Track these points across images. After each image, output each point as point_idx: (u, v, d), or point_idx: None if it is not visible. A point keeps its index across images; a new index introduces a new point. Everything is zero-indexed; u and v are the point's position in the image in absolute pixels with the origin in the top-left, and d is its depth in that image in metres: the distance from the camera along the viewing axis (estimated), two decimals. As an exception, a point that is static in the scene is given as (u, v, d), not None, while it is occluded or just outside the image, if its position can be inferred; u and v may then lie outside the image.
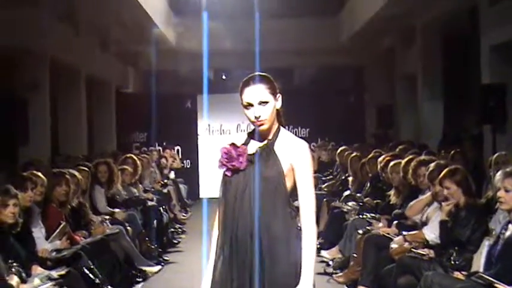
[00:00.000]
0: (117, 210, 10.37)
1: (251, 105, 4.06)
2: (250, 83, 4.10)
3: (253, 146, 4.14)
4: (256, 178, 4.03)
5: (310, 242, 4.12)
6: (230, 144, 4.11)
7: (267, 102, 4.07)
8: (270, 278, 3.99)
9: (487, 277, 5.70)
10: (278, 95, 4.17)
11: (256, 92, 4.07)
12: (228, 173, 4.08)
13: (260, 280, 3.98)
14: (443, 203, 7.21)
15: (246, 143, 4.15)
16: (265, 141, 4.12)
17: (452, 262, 6.69)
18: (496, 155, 8.95)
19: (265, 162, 4.06)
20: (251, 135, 4.19)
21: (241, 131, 20.49)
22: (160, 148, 18.80)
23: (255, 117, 4.05)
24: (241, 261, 4.01)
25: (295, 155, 4.09)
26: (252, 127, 4.21)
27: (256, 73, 4.16)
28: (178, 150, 19.40)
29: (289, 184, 4.09)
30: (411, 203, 8.30)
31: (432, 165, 7.84)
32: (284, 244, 4.03)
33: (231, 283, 4.02)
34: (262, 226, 3.99)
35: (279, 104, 4.17)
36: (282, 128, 4.22)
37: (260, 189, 4.01)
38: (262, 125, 4.08)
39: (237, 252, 4.01)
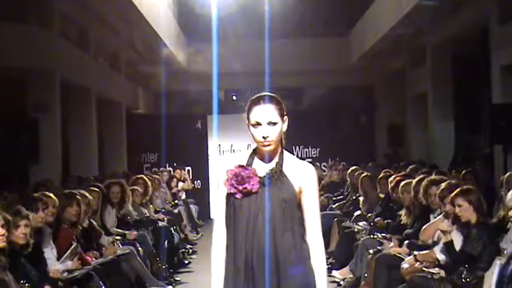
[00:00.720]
0: (127, 232, 10.38)
1: (259, 124, 4.00)
2: (261, 102, 4.04)
3: (260, 168, 4.07)
4: (269, 201, 3.97)
5: (322, 261, 4.14)
6: (238, 166, 4.04)
7: (275, 123, 4.01)
8: None
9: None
10: (285, 117, 4.09)
11: (266, 111, 4.01)
12: (238, 196, 3.99)
13: None
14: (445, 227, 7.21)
15: (249, 165, 4.09)
16: (274, 164, 4.06)
17: (463, 280, 6.67)
18: (508, 174, 8.93)
19: (280, 185, 4.02)
20: (252, 156, 4.12)
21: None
22: (171, 169, 18.83)
23: (263, 137, 3.99)
24: (258, 283, 3.95)
25: (304, 178, 4.07)
26: (252, 148, 4.17)
27: (267, 93, 4.10)
28: (188, 170, 19.40)
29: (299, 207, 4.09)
30: (424, 227, 8.26)
31: (443, 184, 7.83)
32: (301, 266, 4.02)
33: None
34: (279, 249, 3.96)
35: (285, 126, 4.10)
36: (284, 150, 4.15)
37: (276, 212, 3.97)
38: (269, 145, 4.02)
39: (253, 274, 3.95)
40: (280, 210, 3.98)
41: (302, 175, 4.07)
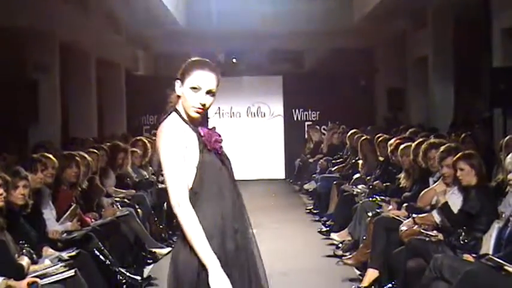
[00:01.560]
0: (126, 191, 10.42)
1: (199, 89, 3.99)
2: (206, 68, 4.03)
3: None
4: (227, 159, 4.12)
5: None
6: (208, 129, 4.08)
7: (213, 94, 4.02)
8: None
9: (497, 259, 5.70)
10: (218, 88, 4.07)
11: (209, 79, 4.01)
12: (218, 156, 4.06)
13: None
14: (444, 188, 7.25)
15: (193, 130, 4.06)
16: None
17: (462, 242, 6.71)
18: (507, 137, 8.91)
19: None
20: (187, 122, 4.06)
21: (251, 113, 20.54)
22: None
23: (201, 104, 3.99)
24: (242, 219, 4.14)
25: None
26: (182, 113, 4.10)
27: (206, 60, 4.09)
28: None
29: None
30: (421, 193, 8.27)
31: (443, 147, 7.83)
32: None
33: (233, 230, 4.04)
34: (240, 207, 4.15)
35: (214, 99, 4.08)
36: None
37: (231, 171, 4.14)
38: (201, 113, 4.02)
39: (239, 214, 4.11)
40: (231, 172, 4.12)
41: None
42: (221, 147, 4.08)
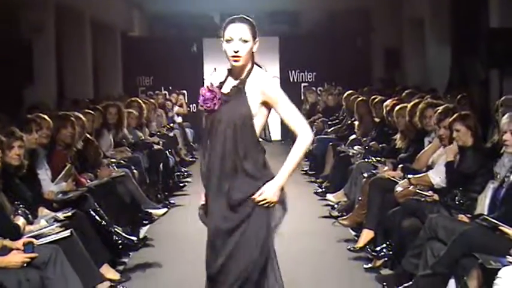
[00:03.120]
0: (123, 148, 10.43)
1: (232, 39, 4.42)
2: (236, 20, 4.46)
3: (229, 85, 4.55)
4: (228, 115, 4.45)
5: (302, 144, 4.65)
6: (206, 88, 4.52)
7: (246, 41, 4.43)
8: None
9: (492, 219, 5.71)
10: (257, 39, 4.51)
11: (239, 29, 4.43)
12: (206, 113, 4.53)
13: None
14: (449, 146, 7.23)
15: (224, 81, 4.57)
16: (238, 81, 4.50)
17: (457, 202, 6.72)
18: (503, 98, 8.90)
19: (236, 102, 4.46)
20: (227, 74, 4.59)
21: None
22: (166, 92, 18.78)
23: (234, 51, 4.41)
24: (222, 184, 4.52)
25: (265, 91, 4.49)
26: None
27: (242, 15, 4.51)
28: (184, 94, 19.33)
29: (259, 122, 4.53)
30: (418, 156, 8.28)
31: (441, 107, 7.82)
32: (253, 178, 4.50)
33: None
34: (236, 156, 4.46)
35: (255, 47, 4.52)
36: (256, 67, 4.58)
37: (232, 125, 4.44)
38: (237, 60, 4.44)
39: (219, 175, 4.51)
40: (240, 121, 4.44)
41: (263, 88, 4.49)
42: (209, 103, 4.49)
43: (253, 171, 4.48)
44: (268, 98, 4.50)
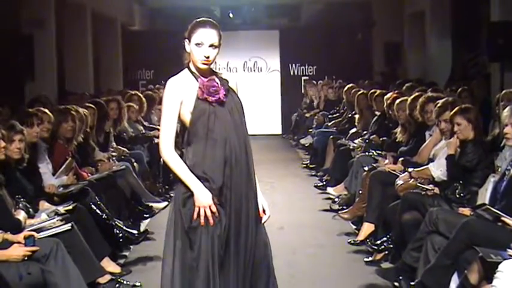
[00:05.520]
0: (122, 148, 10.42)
1: (202, 44, 4.57)
2: (207, 26, 4.61)
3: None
4: (236, 105, 4.68)
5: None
6: (207, 80, 4.60)
7: (216, 47, 4.61)
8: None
9: (494, 210, 5.71)
10: (220, 43, 4.65)
11: (210, 35, 4.59)
12: (214, 104, 4.58)
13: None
14: (451, 139, 7.22)
15: (211, 79, 4.65)
16: (219, 77, 4.67)
17: (458, 196, 6.73)
18: (504, 91, 8.90)
19: (232, 94, 4.70)
20: (194, 74, 4.67)
21: (248, 68, 20.47)
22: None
23: (205, 57, 4.57)
24: (239, 170, 4.61)
25: (236, 85, 4.81)
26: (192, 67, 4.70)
27: (208, 19, 4.68)
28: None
29: None
30: (420, 149, 8.27)
31: (441, 101, 7.81)
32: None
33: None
34: (249, 147, 4.69)
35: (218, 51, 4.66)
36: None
37: (241, 115, 4.69)
38: (207, 64, 4.60)
39: (236, 163, 4.59)
40: (242, 113, 4.70)
41: (234, 83, 4.79)
42: (215, 96, 4.58)
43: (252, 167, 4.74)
44: (236, 89, 4.81)
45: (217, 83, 4.60)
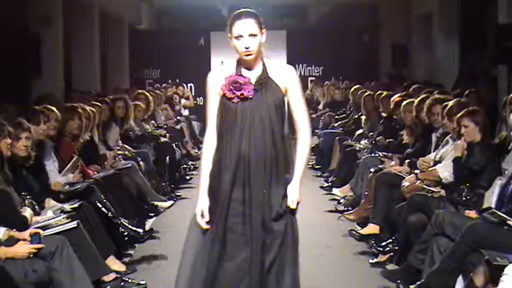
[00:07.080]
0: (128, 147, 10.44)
1: (241, 36, 4.50)
2: (242, 17, 4.53)
3: (250, 76, 4.57)
4: (265, 104, 4.53)
5: (305, 144, 4.68)
6: (234, 74, 4.55)
7: (255, 35, 4.51)
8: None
9: (500, 213, 5.70)
10: (264, 29, 4.57)
11: (247, 25, 4.51)
12: (235, 100, 4.53)
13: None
14: (457, 142, 7.21)
15: (240, 73, 4.58)
16: (261, 71, 4.58)
17: (464, 198, 6.71)
18: (511, 95, 8.88)
19: (270, 89, 4.56)
20: (239, 67, 4.61)
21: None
22: (174, 85, 18.78)
23: (246, 48, 4.49)
24: (255, 175, 4.53)
25: (287, 79, 4.62)
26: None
27: (246, 9, 4.59)
28: (191, 87, 19.34)
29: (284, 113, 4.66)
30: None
31: (451, 102, 7.80)
32: (284, 159, 4.64)
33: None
34: (273, 147, 4.54)
35: (263, 38, 4.57)
36: (264, 58, 4.65)
37: (271, 113, 4.54)
38: (250, 55, 4.52)
39: (249, 169, 4.51)
40: (274, 112, 4.54)
41: (285, 76, 4.62)
42: (236, 92, 4.51)
43: (281, 164, 4.62)
44: (288, 83, 4.61)
45: (243, 79, 4.53)
